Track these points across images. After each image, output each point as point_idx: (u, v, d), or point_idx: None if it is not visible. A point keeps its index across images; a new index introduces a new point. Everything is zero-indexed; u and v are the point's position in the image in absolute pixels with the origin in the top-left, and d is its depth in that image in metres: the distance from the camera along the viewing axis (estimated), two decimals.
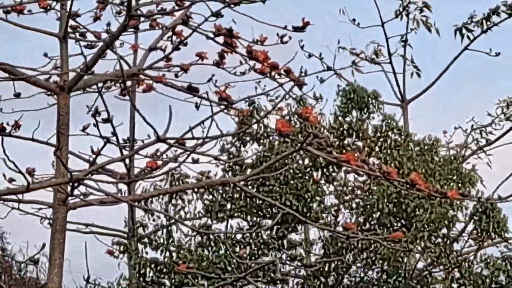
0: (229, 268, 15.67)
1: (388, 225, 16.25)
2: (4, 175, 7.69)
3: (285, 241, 16.97)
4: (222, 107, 7.97)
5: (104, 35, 8.50)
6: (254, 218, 17.27)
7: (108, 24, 8.46)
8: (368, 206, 16.63)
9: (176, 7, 7.81)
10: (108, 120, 7.11)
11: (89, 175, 7.25)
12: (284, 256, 16.92)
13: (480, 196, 16.50)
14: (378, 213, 16.39)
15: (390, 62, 22.30)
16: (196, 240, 16.77)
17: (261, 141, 17.09)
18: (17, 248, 28.65)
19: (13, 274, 22.78)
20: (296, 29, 7.73)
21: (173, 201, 17.30)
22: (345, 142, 17.12)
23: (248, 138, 17.09)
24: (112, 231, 17.41)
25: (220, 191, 16.78)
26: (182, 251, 16.23)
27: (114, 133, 7.25)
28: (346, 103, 18.01)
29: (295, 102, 16.07)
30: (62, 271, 7.64)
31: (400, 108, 22.13)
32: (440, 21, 22.77)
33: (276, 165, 13.26)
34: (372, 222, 16.63)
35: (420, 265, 17.25)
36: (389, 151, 17.21)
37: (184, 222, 16.97)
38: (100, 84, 8.75)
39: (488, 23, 21.81)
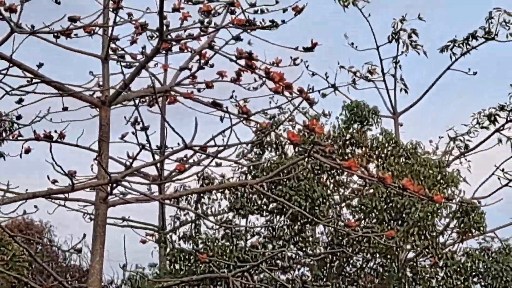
0: (246, 257, 15.66)
1: (383, 221, 16.22)
2: (48, 176, 7.72)
3: (296, 237, 16.93)
4: (242, 119, 7.98)
5: (139, 56, 8.51)
6: (269, 215, 17.28)
7: (144, 47, 8.45)
8: (365, 205, 16.62)
9: (202, 33, 7.81)
10: (145, 128, 7.13)
11: (126, 177, 7.25)
12: (292, 247, 16.89)
13: (462, 199, 16.52)
14: (374, 210, 16.36)
15: (384, 80, 22.47)
16: (219, 232, 16.78)
17: (276, 148, 17.27)
18: (63, 240, 28.63)
19: (59, 262, 22.78)
20: (306, 49, 7.71)
21: (202, 199, 17.42)
22: (347, 150, 17.19)
23: (266, 146, 17.29)
24: (144, 225, 17.41)
25: (241, 191, 16.86)
26: (208, 242, 16.27)
27: (148, 141, 7.26)
28: (350, 117, 18.25)
29: (305, 117, 16.13)
30: (102, 260, 7.62)
31: (392, 119, 22.24)
32: (434, 38, 22.91)
33: (288, 169, 13.29)
34: (369, 218, 16.61)
35: (410, 255, 17.21)
36: (385, 159, 17.33)
37: (209, 218, 16.99)
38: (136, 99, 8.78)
39: (468, 46, 21.84)
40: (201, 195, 17.07)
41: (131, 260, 15.45)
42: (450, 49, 22.00)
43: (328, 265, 16.93)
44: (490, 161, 21.37)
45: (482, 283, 17.01)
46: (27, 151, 8.23)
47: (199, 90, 8.30)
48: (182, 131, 7.24)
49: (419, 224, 15.87)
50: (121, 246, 10.60)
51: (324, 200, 16.48)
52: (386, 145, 17.61)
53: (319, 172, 16.93)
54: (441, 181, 17.08)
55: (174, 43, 8.10)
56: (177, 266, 16.38)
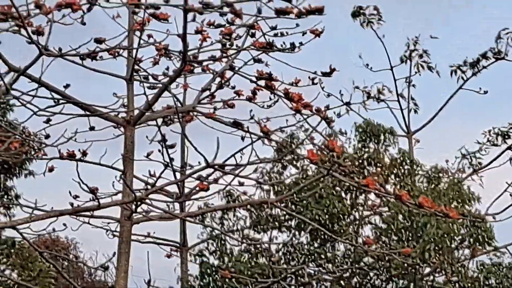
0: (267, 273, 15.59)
1: (401, 240, 16.15)
2: (70, 192, 7.74)
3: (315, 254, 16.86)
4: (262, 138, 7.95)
5: (161, 77, 8.51)
6: (291, 231, 17.25)
7: (167, 69, 8.45)
8: (384, 223, 16.55)
9: (223, 55, 7.79)
10: (171, 146, 7.12)
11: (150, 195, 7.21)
12: (312, 264, 16.80)
13: (476, 215, 16.44)
14: (393, 229, 16.27)
15: (398, 100, 22.42)
16: (243, 248, 16.75)
17: (297, 166, 17.29)
18: (88, 256, 28.64)
19: (85, 278, 22.76)
20: (324, 74, 7.70)
21: (225, 216, 17.46)
22: (366, 169, 17.19)
23: (286, 164, 17.33)
24: (167, 241, 17.31)
25: (263, 208, 16.88)
26: (233, 258, 16.29)
27: (170, 159, 7.22)
28: (363, 137, 18.26)
29: (322, 136, 16.18)
30: (127, 276, 7.58)
31: (406, 138, 22.19)
32: (450, 54, 22.92)
33: (309, 186, 13.27)
34: (388, 236, 16.50)
35: (426, 270, 17.09)
36: (402, 178, 17.37)
37: (230, 234, 16.99)
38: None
39: (478, 66, 21.81)
40: (225, 211, 17.11)
41: (155, 275, 15.37)
42: (461, 71, 21.96)
43: (347, 281, 16.81)
44: (503, 178, 21.24)
45: None
46: (51, 169, 8.27)
47: (215, 109, 8.32)
48: (201, 149, 7.22)
49: (435, 240, 15.75)
50: (145, 261, 10.61)
51: (344, 217, 16.42)
52: (403, 164, 17.66)
53: (339, 189, 16.87)
54: (458, 199, 16.98)
55: (195, 64, 8.10)
56: (199, 282, 16.38)
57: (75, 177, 6.07)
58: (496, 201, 19.88)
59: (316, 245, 16.83)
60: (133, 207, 7.45)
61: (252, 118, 8.06)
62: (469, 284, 16.62)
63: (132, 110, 7.71)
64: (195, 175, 8.45)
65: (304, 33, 7.39)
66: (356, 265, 15.84)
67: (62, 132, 7.86)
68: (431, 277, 16.76)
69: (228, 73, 8.18)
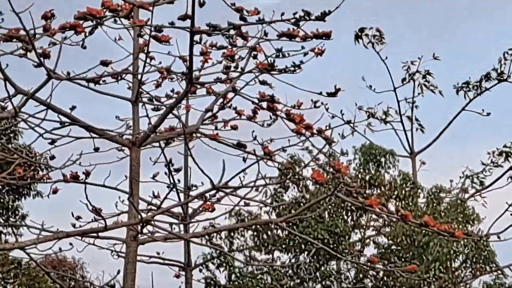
0: None
1: (404, 258, 16.11)
2: (72, 213, 7.77)
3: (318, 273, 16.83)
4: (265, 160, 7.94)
5: (164, 99, 8.52)
6: (294, 252, 17.25)
7: (172, 91, 8.46)
8: (387, 242, 16.52)
9: (227, 77, 7.79)
10: (178, 170, 7.13)
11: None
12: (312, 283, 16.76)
13: (480, 235, 16.39)
14: (395, 247, 16.24)
15: (401, 121, 22.33)
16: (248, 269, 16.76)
17: (299, 186, 17.35)
18: (95, 276, 28.53)
19: None
20: (329, 94, 7.69)
21: (233, 234, 17.54)
22: (368, 191, 17.22)
23: (289, 184, 17.40)
24: (171, 261, 17.27)
25: (267, 228, 16.95)
26: (239, 276, 16.34)
27: (174, 182, 7.21)
28: (365, 159, 18.44)
29: (326, 156, 16.22)
30: None
31: (410, 159, 22.10)
32: (454, 73, 22.86)
33: (311, 207, 13.20)
34: (389, 254, 16.46)
35: None
36: (403, 199, 17.42)
37: (235, 256, 17.01)
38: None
39: (481, 88, 21.73)
40: (230, 232, 17.20)
41: None
42: (464, 91, 21.89)
43: None
44: (505, 198, 21.20)
45: None
46: (55, 191, 8.30)
47: (216, 128, 8.34)
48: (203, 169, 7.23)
49: (438, 259, 15.70)
50: (149, 281, 10.62)
51: (346, 237, 16.42)
52: (404, 185, 17.78)
53: (341, 210, 16.88)
54: (460, 219, 16.96)
55: (199, 86, 8.11)
56: None
57: (80, 198, 6.07)
58: (499, 221, 19.88)
59: (318, 265, 16.80)
60: (139, 228, 7.45)
61: (255, 138, 8.05)
62: None
63: (138, 132, 7.70)
64: (198, 195, 8.47)
65: (305, 54, 7.38)
66: (360, 285, 15.78)
67: (67, 152, 7.87)
68: None
69: (230, 94, 8.17)
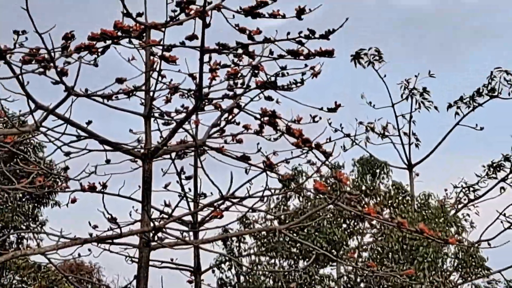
0: None
1: (397, 261, 16.10)
2: (89, 222, 7.84)
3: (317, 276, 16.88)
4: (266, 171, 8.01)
5: (173, 114, 8.58)
6: (294, 258, 17.34)
7: (182, 106, 8.52)
8: (382, 247, 16.53)
9: (234, 93, 7.85)
10: (189, 178, 7.18)
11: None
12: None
13: (472, 242, 16.41)
14: (390, 253, 16.25)
15: (399, 135, 22.37)
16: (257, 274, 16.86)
17: (301, 197, 17.49)
18: (110, 279, 28.57)
19: None
20: (330, 110, 7.73)
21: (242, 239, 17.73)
22: (365, 200, 17.35)
23: (291, 194, 17.58)
24: (182, 266, 17.28)
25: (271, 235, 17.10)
26: (250, 277, 16.45)
27: (184, 191, 7.27)
28: (363, 170, 18.77)
29: (328, 168, 16.38)
30: None
31: (407, 170, 22.14)
32: (448, 95, 22.87)
33: (312, 216, 13.26)
34: (385, 259, 16.46)
35: None
36: (397, 207, 17.57)
37: (241, 262, 17.10)
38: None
39: (473, 103, 21.75)
40: (237, 238, 17.35)
41: None
42: (457, 107, 21.91)
43: None
44: (498, 207, 21.25)
45: None
46: (73, 201, 8.33)
47: (226, 142, 8.39)
48: (209, 180, 7.33)
49: (428, 260, 15.75)
50: (163, 284, 10.74)
51: (343, 244, 16.50)
52: (397, 194, 18.00)
53: (340, 218, 16.96)
54: (443, 224, 17.03)
55: (207, 102, 8.17)
56: None
57: (96, 207, 6.14)
58: (493, 229, 19.90)
59: (316, 270, 16.89)
60: (151, 235, 7.51)
61: (259, 150, 8.12)
62: None
63: (150, 145, 7.75)
64: (204, 203, 8.54)
65: (303, 74, 7.47)
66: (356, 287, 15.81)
67: (82, 163, 7.94)
68: None
69: (236, 110, 8.26)
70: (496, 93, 21.46)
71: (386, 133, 22.26)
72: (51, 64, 6.21)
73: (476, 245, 16.08)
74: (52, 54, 6.26)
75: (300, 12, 6.69)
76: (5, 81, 6.21)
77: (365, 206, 14.82)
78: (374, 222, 16.74)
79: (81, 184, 7.80)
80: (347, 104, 8.01)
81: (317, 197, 16.12)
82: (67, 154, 7.81)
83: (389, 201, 17.69)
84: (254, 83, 7.57)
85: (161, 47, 7.14)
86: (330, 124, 19.50)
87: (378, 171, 19.15)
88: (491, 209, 21.97)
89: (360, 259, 16.98)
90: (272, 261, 17.60)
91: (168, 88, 8.19)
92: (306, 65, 7.36)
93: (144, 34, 6.95)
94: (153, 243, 7.64)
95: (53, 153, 7.65)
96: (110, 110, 7.58)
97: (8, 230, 17.04)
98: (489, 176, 22.06)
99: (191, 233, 14.65)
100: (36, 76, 6.54)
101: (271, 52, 7.16)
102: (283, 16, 6.74)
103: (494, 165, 21.93)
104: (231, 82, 7.75)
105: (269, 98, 7.83)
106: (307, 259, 16.56)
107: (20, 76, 6.18)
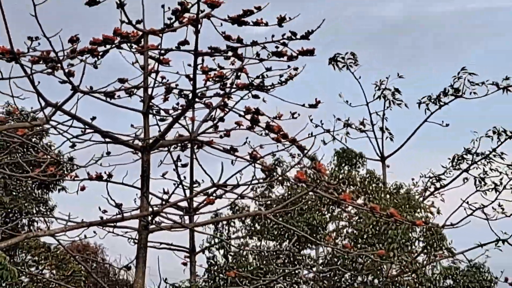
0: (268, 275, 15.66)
1: (371, 244, 16.15)
2: (99, 207, 7.91)
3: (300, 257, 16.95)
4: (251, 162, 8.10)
5: (171, 111, 8.61)
6: (278, 240, 17.43)
7: (177, 104, 8.55)
8: (357, 231, 16.59)
9: (224, 92, 7.88)
10: (185, 165, 7.23)
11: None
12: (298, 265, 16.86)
13: (436, 224, 16.47)
14: (364, 236, 16.29)
15: (373, 130, 22.47)
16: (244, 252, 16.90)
17: (284, 184, 17.61)
18: (113, 258, 28.56)
19: (110, 277, 22.67)
20: (311, 106, 7.81)
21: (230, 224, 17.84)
22: (342, 188, 17.46)
23: (275, 183, 17.72)
24: (178, 247, 17.31)
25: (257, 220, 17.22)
26: (237, 257, 16.52)
27: (181, 179, 7.30)
28: (340, 161, 18.97)
29: (309, 159, 16.50)
30: (144, 275, 7.63)
31: (380, 162, 22.25)
32: (417, 95, 22.95)
33: (294, 202, 13.33)
34: (360, 242, 16.50)
35: (394, 272, 17.07)
36: (370, 194, 17.68)
37: (231, 242, 17.25)
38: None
39: (440, 102, 21.80)
40: (228, 221, 17.50)
41: (168, 276, 15.38)
42: (426, 104, 21.95)
43: (326, 281, 16.84)
44: (462, 195, 21.37)
45: None
46: (83, 188, 8.38)
47: (221, 137, 8.43)
48: (200, 170, 7.38)
49: (397, 241, 15.81)
50: (161, 264, 10.79)
51: (323, 227, 16.58)
52: (371, 183, 18.10)
53: (320, 204, 17.03)
54: (409, 208, 17.13)
55: (198, 100, 8.21)
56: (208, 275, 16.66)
57: (98, 195, 6.18)
58: (457, 215, 20.04)
59: (297, 250, 16.98)
60: (149, 218, 7.55)
61: (245, 143, 8.19)
62: (429, 284, 16.59)
63: (149, 138, 7.78)
64: (201, 191, 8.59)
65: (281, 76, 7.56)
66: (335, 266, 15.88)
67: (86, 155, 8.01)
68: (398, 278, 16.73)
69: (226, 108, 8.31)
70: (460, 93, 21.50)
71: (363, 128, 22.36)
72: (59, 65, 6.24)
73: (440, 227, 16.14)
74: (60, 56, 6.30)
75: (281, 21, 6.79)
76: (16, 80, 6.26)
77: (342, 193, 14.90)
78: (349, 208, 16.82)
79: (88, 173, 7.89)
80: (326, 103, 8.08)
81: (298, 185, 16.19)
82: (73, 145, 7.86)
83: (363, 189, 17.78)
84: (237, 85, 7.64)
85: (157, 51, 7.19)
86: (311, 120, 19.70)
87: (354, 161, 19.35)
88: (455, 197, 22.08)
89: (337, 241, 17.04)
90: (259, 243, 17.67)
91: (163, 85, 8.22)
92: (289, 66, 7.41)
93: (143, 39, 6.99)
94: (151, 226, 7.68)
95: (61, 145, 7.69)
96: (113, 107, 7.62)
97: (22, 215, 17.04)
98: (454, 167, 22.15)
99: (186, 217, 14.72)
100: (45, 76, 6.59)
101: (257, 54, 7.23)
102: (266, 24, 6.81)
103: (458, 157, 22.01)
104: (217, 84, 7.80)
105: (255, 97, 7.89)
106: (289, 241, 16.63)
107: (31, 76, 6.21)
